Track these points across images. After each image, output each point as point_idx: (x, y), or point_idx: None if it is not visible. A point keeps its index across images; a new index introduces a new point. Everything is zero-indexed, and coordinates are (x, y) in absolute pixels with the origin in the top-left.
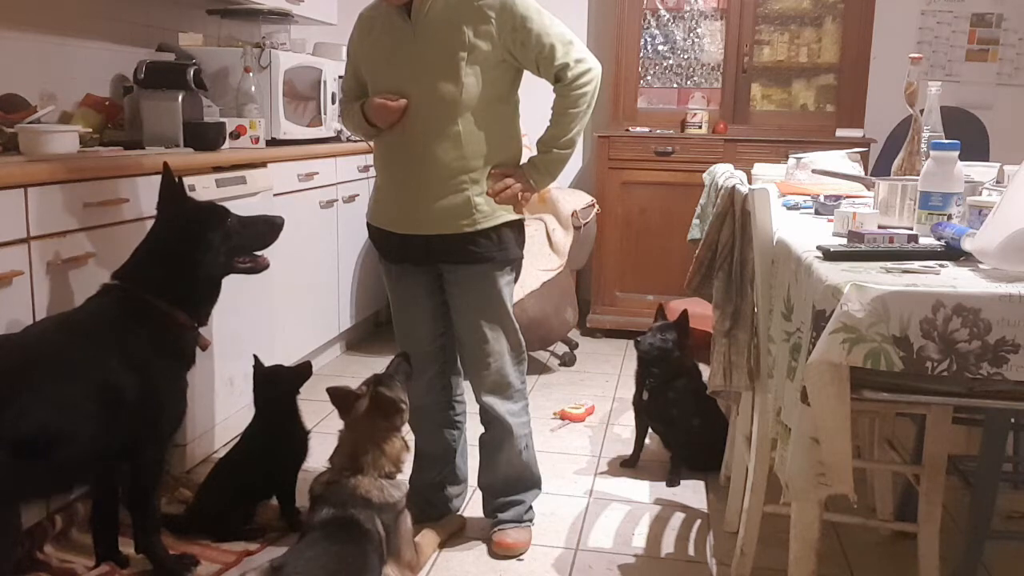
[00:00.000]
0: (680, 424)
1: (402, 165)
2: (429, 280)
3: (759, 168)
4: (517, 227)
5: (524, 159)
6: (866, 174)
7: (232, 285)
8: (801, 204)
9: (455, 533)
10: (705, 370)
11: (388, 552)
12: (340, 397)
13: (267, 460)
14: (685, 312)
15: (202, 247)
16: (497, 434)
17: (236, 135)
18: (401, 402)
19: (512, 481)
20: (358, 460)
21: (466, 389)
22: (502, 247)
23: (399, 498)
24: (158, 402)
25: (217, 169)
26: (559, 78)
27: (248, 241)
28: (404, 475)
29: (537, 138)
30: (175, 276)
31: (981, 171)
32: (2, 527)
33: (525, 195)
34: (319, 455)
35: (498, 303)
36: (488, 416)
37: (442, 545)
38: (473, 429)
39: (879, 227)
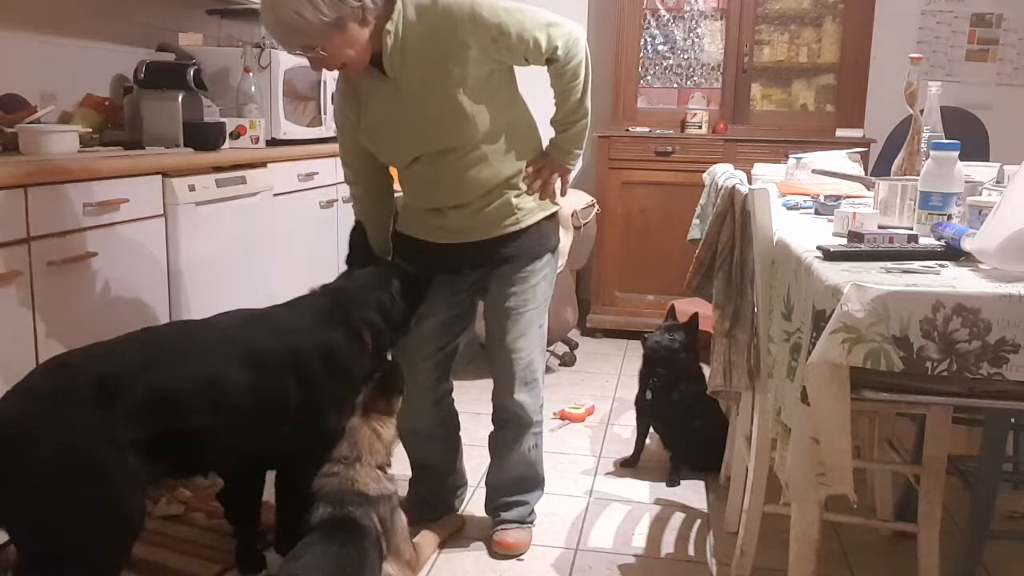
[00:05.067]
0: (681, 425)
1: (435, 195)
2: (450, 292)
3: (759, 168)
4: (554, 218)
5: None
6: (866, 174)
7: (232, 285)
8: (801, 204)
9: (455, 533)
10: (705, 370)
11: (387, 548)
12: None
13: None
14: (696, 315)
15: (380, 299)
16: (514, 431)
17: (236, 135)
18: (403, 380)
19: (519, 480)
20: (357, 446)
21: (458, 391)
22: (540, 240)
23: (393, 490)
24: (320, 418)
25: (217, 169)
26: (552, 59)
27: (410, 305)
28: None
29: (549, 119)
30: (369, 304)
31: (981, 171)
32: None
33: (564, 179)
34: None
35: (533, 297)
36: (507, 413)
37: (442, 545)
38: (472, 430)
39: (879, 227)
